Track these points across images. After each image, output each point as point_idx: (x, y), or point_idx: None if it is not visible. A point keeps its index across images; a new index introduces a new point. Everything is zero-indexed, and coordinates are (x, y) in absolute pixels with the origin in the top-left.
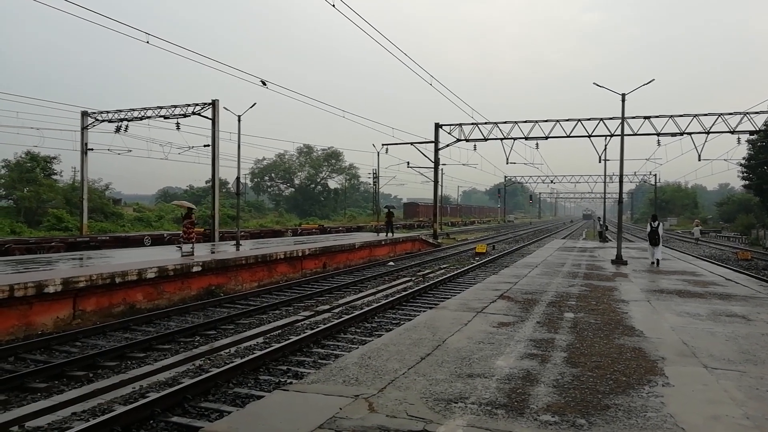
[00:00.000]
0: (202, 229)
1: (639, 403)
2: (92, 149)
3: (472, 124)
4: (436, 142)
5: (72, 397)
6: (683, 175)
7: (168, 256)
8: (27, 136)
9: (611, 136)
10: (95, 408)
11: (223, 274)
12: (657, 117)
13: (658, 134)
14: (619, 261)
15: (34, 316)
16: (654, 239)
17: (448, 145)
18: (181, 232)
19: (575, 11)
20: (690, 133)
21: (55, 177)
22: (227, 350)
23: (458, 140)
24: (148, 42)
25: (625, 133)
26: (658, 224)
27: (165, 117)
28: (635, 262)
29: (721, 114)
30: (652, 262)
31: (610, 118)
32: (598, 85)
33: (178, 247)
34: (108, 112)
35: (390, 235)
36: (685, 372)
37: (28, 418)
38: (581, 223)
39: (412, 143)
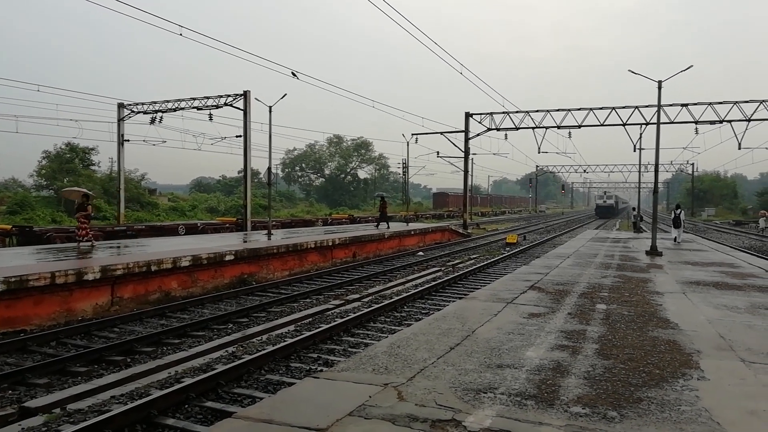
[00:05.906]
0: (234, 219)
1: (673, 396)
2: (128, 140)
3: (503, 113)
4: (466, 131)
5: (111, 381)
6: (722, 164)
7: (202, 244)
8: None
9: (647, 124)
10: (133, 392)
11: (255, 262)
12: (695, 104)
13: (696, 122)
14: (654, 252)
15: (75, 302)
16: (676, 223)
17: (478, 134)
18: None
19: None
20: (730, 121)
21: (93, 168)
22: (259, 338)
23: (489, 129)
24: (181, 34)
25: (662, 121)
26: (680, 211)
27: (198, 108)
28: (671, 253)
29: (763, 101)
30: (674, 239)
31: (646, 106)
32: (633, 72)
33: (75, 245)
34: (143, 103)
35: (385, 226)
36: (721, 366)
37: (69, 401)
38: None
39: (441, 133)
